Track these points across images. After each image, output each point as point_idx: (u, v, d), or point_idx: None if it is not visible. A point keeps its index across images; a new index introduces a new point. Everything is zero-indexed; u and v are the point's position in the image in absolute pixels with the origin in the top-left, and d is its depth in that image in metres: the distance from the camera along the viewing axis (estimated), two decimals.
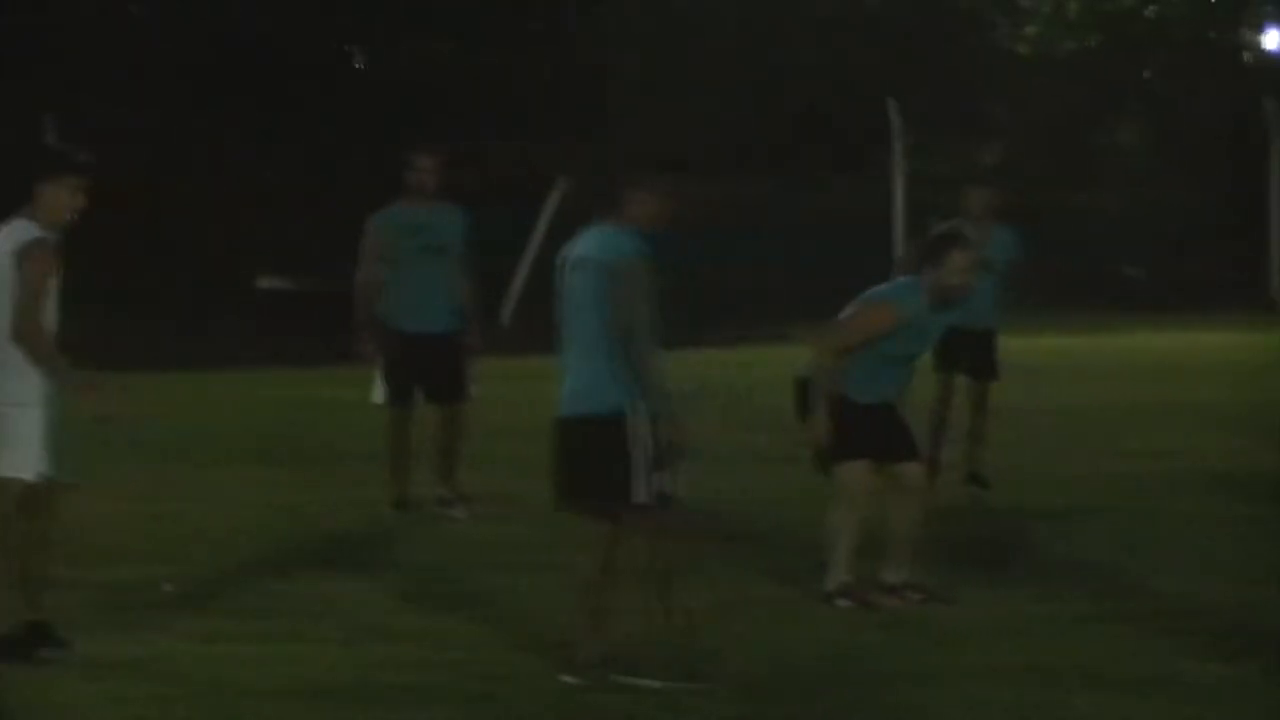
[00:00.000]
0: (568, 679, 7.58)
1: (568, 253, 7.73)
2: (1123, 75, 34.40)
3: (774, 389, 17.86)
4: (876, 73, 30.23)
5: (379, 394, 11.84)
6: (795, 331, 9.17)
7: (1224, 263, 28.79)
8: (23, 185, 8.14)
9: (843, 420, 8.95)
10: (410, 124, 26.53)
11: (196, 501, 12.33)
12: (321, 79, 27.08)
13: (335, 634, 8.58)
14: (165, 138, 25.93)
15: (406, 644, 8.37)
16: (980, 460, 12.91)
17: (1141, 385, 17.90)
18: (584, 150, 25.26)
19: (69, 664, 8.01)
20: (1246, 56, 34.84)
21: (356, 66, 29.75)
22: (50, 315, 8.07)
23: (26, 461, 7.99)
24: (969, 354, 12.90)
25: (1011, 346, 13.41)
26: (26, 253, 7.93)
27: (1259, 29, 34.37)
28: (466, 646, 8.32)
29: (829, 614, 8.94)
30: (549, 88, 26.48)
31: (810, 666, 8.01)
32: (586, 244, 7.66)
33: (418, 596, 9.41)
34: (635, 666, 7.54)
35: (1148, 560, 10.22)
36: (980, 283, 12.86)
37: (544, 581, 9.12)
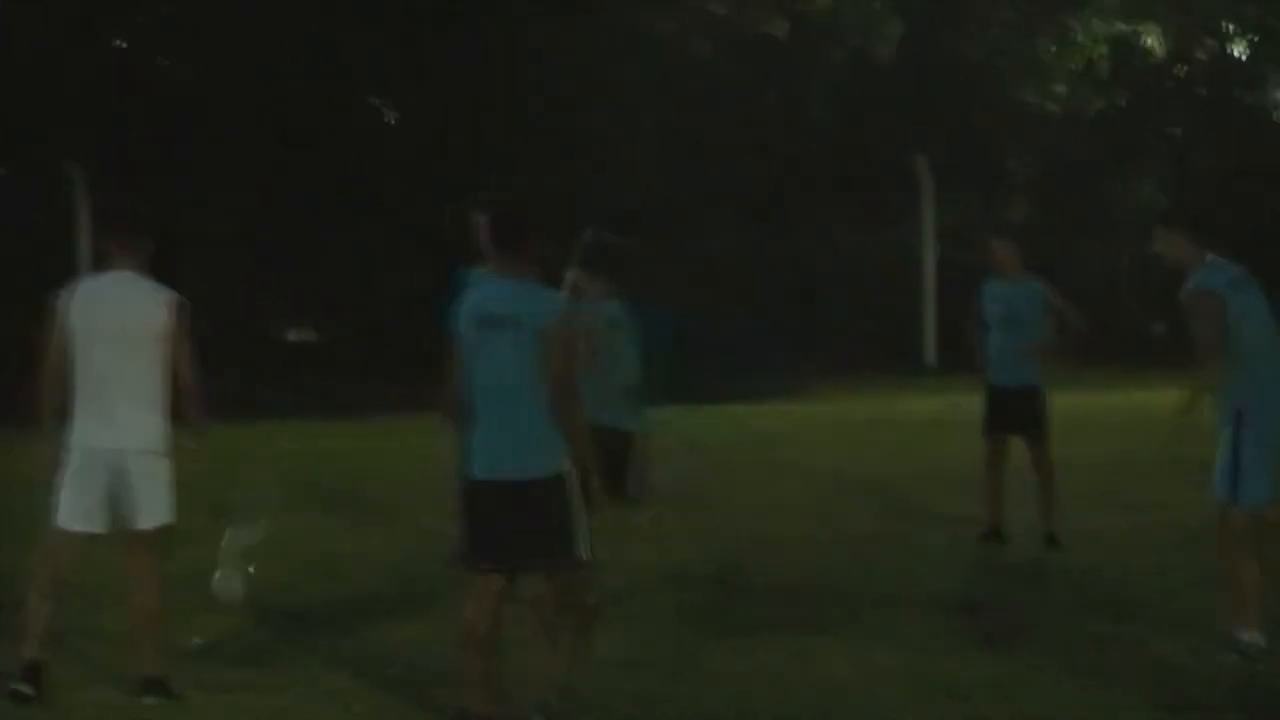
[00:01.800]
0: None
1: (475, 307, 7.43)
2: (1147, 132, 34.36)
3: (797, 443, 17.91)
4: (902, 128, 30.21)
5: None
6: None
7: None
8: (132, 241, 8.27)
9: None
10: (437, 180, 26.71)
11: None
12: (351, 133, 27.15)
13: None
14: (197, 192, 26.03)
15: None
16: (1054, 519, 12.67)
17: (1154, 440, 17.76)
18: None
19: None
20: (1276, 116, 34.80)
21: (387, 121, 29.81)
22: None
23: (170, 508, 8.21)
24: (1016, 414, 12.77)
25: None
26: (183, 308, 8.21)
27: None
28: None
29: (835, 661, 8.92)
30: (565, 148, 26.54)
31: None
32: (499, 299, 7.41)
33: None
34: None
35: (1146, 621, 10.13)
36: (1018, 339, 12.86)
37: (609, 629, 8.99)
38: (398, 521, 13.58)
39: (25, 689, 8.02)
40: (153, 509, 8.19)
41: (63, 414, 8.09)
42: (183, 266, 25.03)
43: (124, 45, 28.07)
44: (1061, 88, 35.31)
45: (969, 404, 13.42)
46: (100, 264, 8.44)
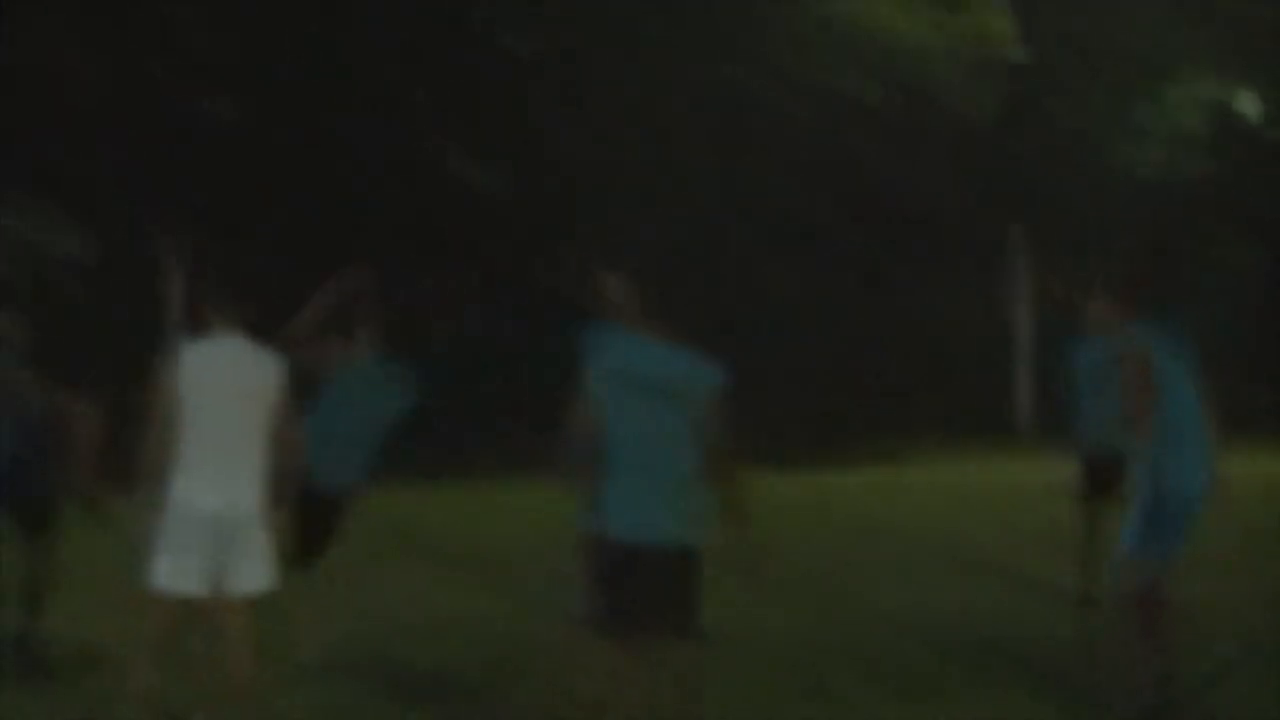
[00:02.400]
0: None
1: (626, 369, 7.36)
2: (1241, 197, 34.07)
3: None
4: (996, 190, 30.17)
5: None
6: None
7: None
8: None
9: None
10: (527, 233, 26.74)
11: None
12: (414, 184, 27.22)
13: None
14: (277, 245, 26.18)
15: None
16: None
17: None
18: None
19: None
20: None
21: (453, 170, 29.85)
22: None
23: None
24: (1112, 479, 12.19)
25: None
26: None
27: None
28: None
29: None
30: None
31: None
32: (656, 363, 7.34)
33: None
34: None
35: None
36: (1113, 402, 12.59)
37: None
38: (508, 580, 13.35)
39: None
40: (255, 572, 8.06)
41: (163, 476, 8.02)
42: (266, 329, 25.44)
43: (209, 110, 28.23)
44: (1160, 153, 35.04)
45: (1066, 469, 13.25)
46: (198, 329, 8.41)
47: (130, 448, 8.15)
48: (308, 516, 9.89)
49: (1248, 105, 34.65)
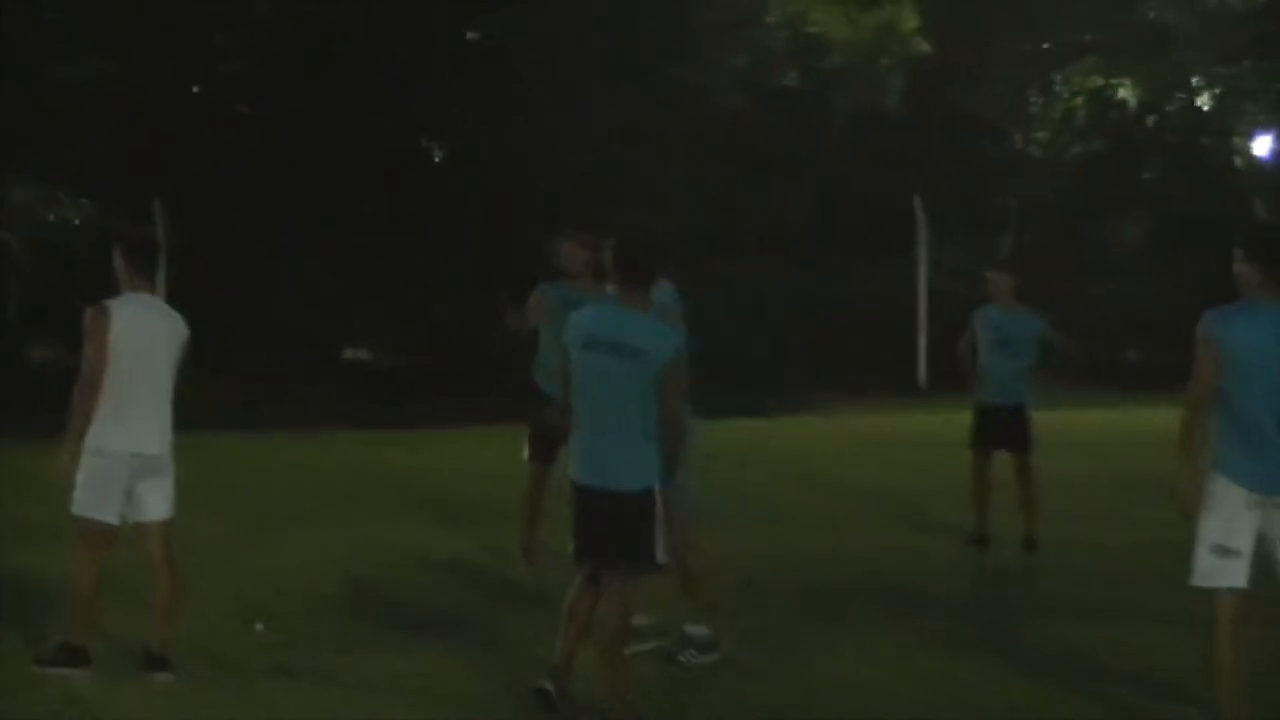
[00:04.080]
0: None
1: (590, 330, 7.57)
2: (1124, 176, 34.45)
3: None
4: (904, 173, 30.37)
5: (526, 450, 11.45)
6: None
7: None
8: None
9: None
10: (486, 214, 26.83)
11: (295, 547, 12.37)
12: (403, 172, 27.28)
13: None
14: (264, 223, 26.18)
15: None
16: (1032, 528, 12.76)
17: (1124, 458, 17.85)
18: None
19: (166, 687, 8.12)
20: (1238, 161, 34.82)
21: (435, 159, 29.95)
22: None
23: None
24: (1003, 430, 12.94)
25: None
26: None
27: (1248, 137, 34.40)
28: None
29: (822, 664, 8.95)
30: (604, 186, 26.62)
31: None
32: (620, 328, 7.52)
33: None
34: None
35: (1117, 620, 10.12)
36: (1008, 361, 12.96)
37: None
38: (478, 526, 13.41)
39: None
40: (162, 503, 8.37)
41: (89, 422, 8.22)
42: (255, 290, 25.54)
43: (203, 91, 28.25)
44: (1044, 135, 35.56)
45: (960, 420, 13.49)
46: (116, 287, 8.47)
47: None
48: None
49: (1127, 93, 35.03)
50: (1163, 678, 8.48)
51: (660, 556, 7.52)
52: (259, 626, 9.51)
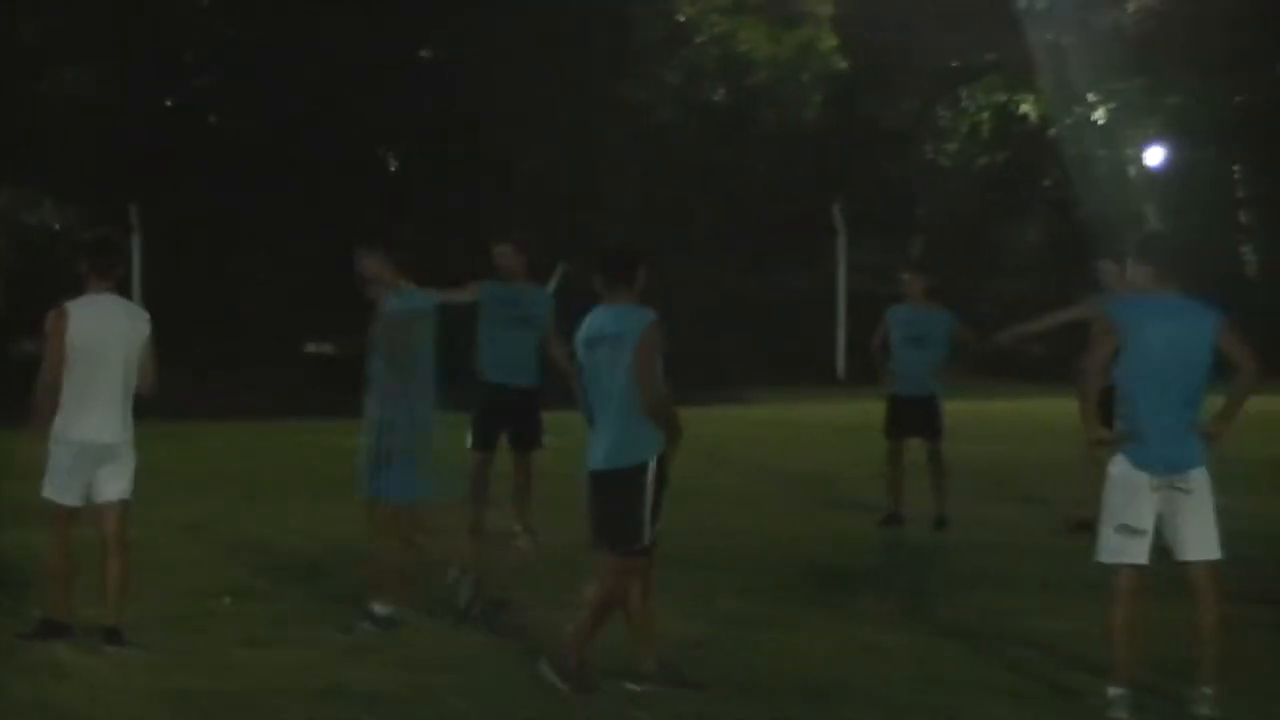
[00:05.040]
0: (632, 687, 7.52)
1: (588, 331, 7.67)
2: (1026, 185, 34.80)
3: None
4: (824, 181, 30.58)
5: (469, 439, 11.47)
6: None
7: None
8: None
9: None
10: (434, 216, 26.81)
11: (259, 527, 12.34)
12: (360, 178, 27.24)
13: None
14: (232, 225, 26.09)
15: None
16: (943, 507, 12.91)
17: (1029, 444, 18.01)
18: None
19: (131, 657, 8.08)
20: (1130, 171, 35.12)
21: (390, 169, 29.97)
22: None
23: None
24: (916, 419, 13.04)
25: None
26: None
27: (1140, 148, 34.69)
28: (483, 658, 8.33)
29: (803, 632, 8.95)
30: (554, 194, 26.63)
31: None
32: (605, 322, 7.61)
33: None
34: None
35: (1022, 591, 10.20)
36: (920, 355, 13.04)
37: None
38: None
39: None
40: (119, 485, 8.36)
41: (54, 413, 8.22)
42: (221, 288, 25.42)
43: (176, 103, 28.19)
44: (953, 146, 35.81)
45: (876, 410, 13.58)
46: (80, 287, 8.44)
47: None
48: None
49: (1028, 108, 35.31)
50: (1063, 642, 8.56)
51: (647, 537, 7.51)
52: (226, 599, 9.51)
